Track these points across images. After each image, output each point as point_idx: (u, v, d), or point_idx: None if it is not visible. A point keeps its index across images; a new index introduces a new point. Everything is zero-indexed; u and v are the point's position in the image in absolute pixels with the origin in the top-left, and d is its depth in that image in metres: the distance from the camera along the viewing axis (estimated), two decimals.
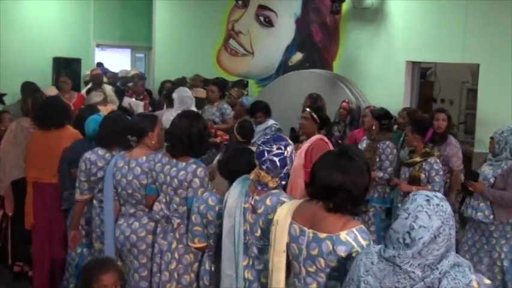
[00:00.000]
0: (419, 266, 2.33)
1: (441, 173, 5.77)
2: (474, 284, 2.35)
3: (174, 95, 7.49)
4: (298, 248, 2.93)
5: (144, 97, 9.83)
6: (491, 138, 5.62)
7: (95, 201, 4.84)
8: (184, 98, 7.41)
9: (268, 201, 3.39)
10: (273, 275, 3.03)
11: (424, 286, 2.34)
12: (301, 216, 2.96)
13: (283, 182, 3.47)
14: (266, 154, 3.36)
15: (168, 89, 9.09)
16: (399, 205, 4.75)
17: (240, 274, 3.43)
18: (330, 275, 2.84)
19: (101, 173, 4.77)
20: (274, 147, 3.37)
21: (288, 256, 3.02)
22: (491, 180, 5.41)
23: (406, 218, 2.35)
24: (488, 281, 2.42)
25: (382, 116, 6.48)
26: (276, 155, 3.35)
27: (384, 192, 6.38)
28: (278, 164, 3.35)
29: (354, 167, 2.85)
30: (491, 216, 5.39)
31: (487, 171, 5.51)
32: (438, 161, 5.83)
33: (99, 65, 12.84)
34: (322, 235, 2.84)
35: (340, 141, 7.75)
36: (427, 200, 2.37)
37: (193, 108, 7.44)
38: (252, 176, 3.44)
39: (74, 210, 5.00)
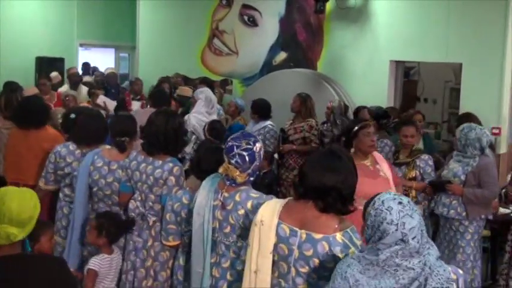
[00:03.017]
0: (417, 263, 2.41)
1: (434, 169, 5.86)
2: (452, 275, 2.45)
3: (201, 95, 7.39)
4: (288, 248, 2.93)
5: (141, 97, 9.82)
6: (454, 136, 5.71)
7: (60, 195, 4.88)
8: (213, 99, 7.39)
9: (237, 197, 3.42)
10: (258, 276, 3.01)
11: (418, 284, 2.39)
12: (290, 216, 2.96)
13: (252, 179, 3.50)
14: (235, 149, 3.40)
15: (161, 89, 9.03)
16: None
17: (207, 271, 3.46)
18: (322, 275, 2.85)
19: (68, 168, 4.79)
20: (244, 142, 3.42)
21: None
22: (462, 178, 5.49)
23: (396, 230, 2.41)
24: (461, 271, 2.54)
25: (380, 115, 6.48)
26: (245, 150, 3.40)
27: None
28: (247, 158, 3.40)
29: (343, 166, 2.89)
30: (464, 213, 5.48)
31: (456, 168, 5.57)
32: (431, 157, 5.93)
33: (86, 64, 12.78)
34: (318, 236, 2.85)
35: (333, 141, 7.78)
36: (400, 203, 2.47)
37: (216, 108, 7.53)
38: (220, 170, 3.47)
39: None
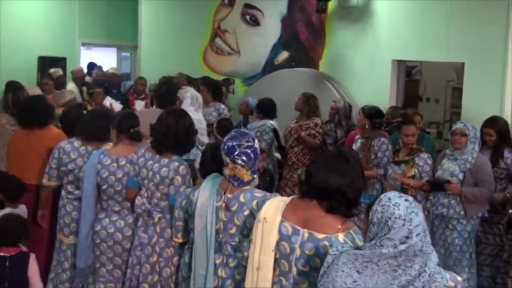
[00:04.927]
0: (417, 266, 2.41)
1: (432, 168, 5.86)
2: (450, 283, 2.44)
3: (187, 94, 7.43)
4: (290, 247, 2.93)
5: (145, 96, 9.81)
6: (453, 134, 5.64)
7: (63, 192, 4.89)
8: (199, 98, 7.42)
9: (241, 198, 3.43)
10: (260, 273, 3.01)
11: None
12: (293, 215, 2.96)
13: (255, 176, 3.51)
14: (238, 148, 3.40)
15: (158, 89, 9.01)
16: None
17: (210, 273, 3.47)
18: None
19: (72, 165, 4.81)
20: (243, 140, 3.43)
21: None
22: (460, 176, 5.51)
23: (403, 225, 2.41)
24: (460, 278, 2.52)
25: (373, 114, 6.52)
26: (248, 148, 3.41)
27: (374, 189, 6.39)
28: (252, 155, 3.41)
29: (351, 169, 2.88)
30: (462, 212, 5.51)
31: (452, 167, 5.58)
32: (430, 156, 5.94)
33: (91, 64, 12.71)
34: (320, 235, 2.85)
35: (336, 142, 7.80)
36: (406, 200, 2.47)
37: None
38: (227, 172, 3.46)
39: (41, 195, 5.02)
